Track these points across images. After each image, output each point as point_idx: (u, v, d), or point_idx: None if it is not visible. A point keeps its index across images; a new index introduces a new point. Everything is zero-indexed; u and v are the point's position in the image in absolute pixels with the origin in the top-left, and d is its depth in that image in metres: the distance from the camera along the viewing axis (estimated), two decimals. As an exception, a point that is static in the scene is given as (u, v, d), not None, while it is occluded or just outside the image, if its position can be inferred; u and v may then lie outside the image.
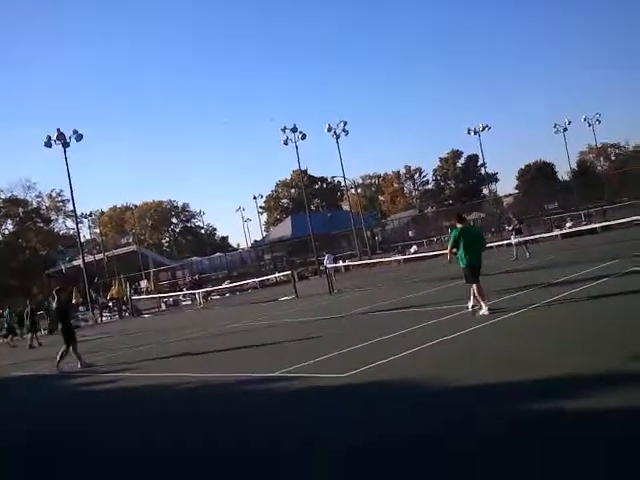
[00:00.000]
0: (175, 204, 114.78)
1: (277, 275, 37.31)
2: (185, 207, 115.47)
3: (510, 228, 25.95)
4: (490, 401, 5.71)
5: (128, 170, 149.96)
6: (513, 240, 23.97)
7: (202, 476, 5.15)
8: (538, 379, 6.03)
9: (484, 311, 10.76)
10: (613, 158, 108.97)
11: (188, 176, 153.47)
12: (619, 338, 7.19)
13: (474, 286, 11.18)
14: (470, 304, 11.42)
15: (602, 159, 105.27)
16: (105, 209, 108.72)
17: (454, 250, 11.56)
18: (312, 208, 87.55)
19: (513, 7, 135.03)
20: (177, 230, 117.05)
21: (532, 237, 31.89)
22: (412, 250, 43.71)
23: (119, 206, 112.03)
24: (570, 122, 69.69)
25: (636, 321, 8.04)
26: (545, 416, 5.00)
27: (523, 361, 6.93)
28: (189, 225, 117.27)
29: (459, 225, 11.66)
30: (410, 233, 60.65)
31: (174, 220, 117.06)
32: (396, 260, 35.98)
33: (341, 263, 38.54)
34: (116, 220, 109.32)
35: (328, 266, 27.55)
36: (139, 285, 48.73)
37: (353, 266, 37.82)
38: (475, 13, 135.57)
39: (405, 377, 7.22)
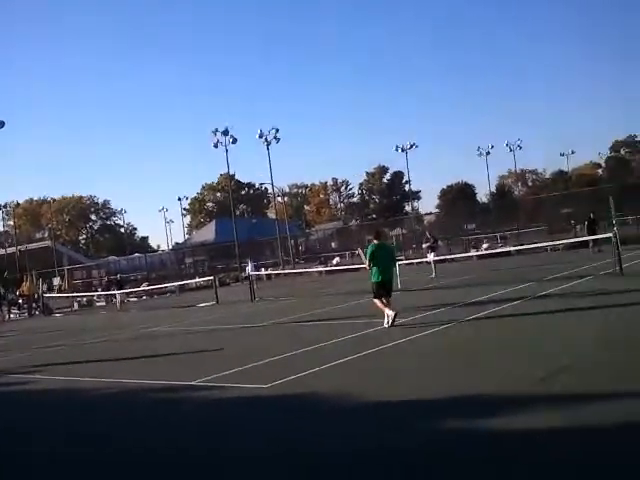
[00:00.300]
0: (96, 200, 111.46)
1: (198, 280, 36.83)
2: (106, 204, 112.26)
3: (426, 246, 26.46)
4: (404, 418, 5.89)
5: (49, 162, 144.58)
6: (429, 258, 24.38)
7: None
8: (449, 397, 6.27)
9: (387, 321, 11.44)
10: (530, 184, 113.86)
11: (111, 173, 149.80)
12: (529, 360, 7.56)
13: (377, 301, 11.86)
14: (386, 320, 11.67)
15: (520, 184, 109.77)
16: (21, 201, 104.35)
17: (370, 264, 12.06)
18: (237, 213, 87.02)
19: (446, 30, 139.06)
20: (96, 227, 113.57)
21: (450, 256, 32.97)
22: (334, 262, 44.17)
23: (36, 199, 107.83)
24: (493, 146, 72.60)
25: (546, 344, 8.46)
26: (451, 434, 5.22)
27: (436, 379, 7.19)
28: (109, 223, 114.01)
29: (375, 241, 12.31)
30: (333, 244, 61.32)
31: (93, 217, 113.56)
32: (318, 271, 36.28)
33: (263, 271, 38.50)
34: (32, 213, 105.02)
35: (251, 273, 27.48)
36: (52, 282, 46.97)
37: (275, 275, 37.82)
38: (407, 30, 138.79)
39: (324, 390, 7.31)
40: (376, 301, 11.97)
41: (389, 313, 11.50)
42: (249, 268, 32.56)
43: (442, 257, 32.72)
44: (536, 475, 4.18)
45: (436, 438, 5.16)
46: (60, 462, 5.91)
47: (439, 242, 26.53)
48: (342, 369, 8.42)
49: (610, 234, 16.88)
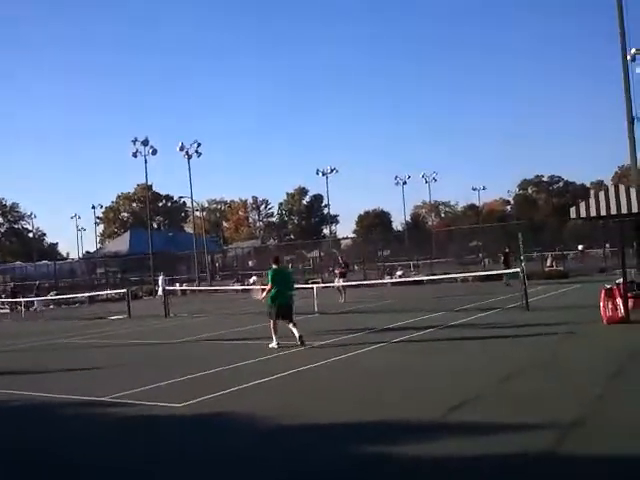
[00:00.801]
0: (3, 202, 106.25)
1: (109, 292, 35.81)
2: (14, 207, 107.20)
3: (337, 271, 26.61)
4: (324, 440, 6.04)
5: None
6: (336, 283, 24.08)
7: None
8: (366, 422, 6.48)
9: (273, 344, 12.07)
10: (443, 215, 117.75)
11: (22, 174, 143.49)
12: (442, 389, 7.89)
13: (271, 322, 12.40)
14: (274, 343, 12.18)
15: (433, 215, 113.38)
16: None
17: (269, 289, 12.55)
18: (154, 226, 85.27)
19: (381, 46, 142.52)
20: (2, 230, 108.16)
21: (365, 282, 33.57)
22: (251, 280, 44.00)
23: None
24: (410, 177, 75.03)
25: (459, 375, 8.83)
26: (369, 458, 5.42)
27: (346, 402, 7.39)
28: (16, 227, 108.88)
29: (274, 266, 12.84)
30: (250, 263, 61.00)
31: (0, 220, 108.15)
32: (234, 289, 36.06)
33: (178, 286, 37.90)
34: None
35: (165, 288, 27.02)
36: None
37: (191, 291, 37.28)
38: (338, 47, 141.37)
39: (237, 411, 7.35)
40: (271, 322, 12.42)
41: (275, 339, 12.16)
42: (160, 282, 32.14)
43: (357, 282, 33.35)
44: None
45: (341, 463, 5.34)
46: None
47: (350, 267, 26.65)
48: (256, 390, 8.49)
49: (518, 269, 17.75)
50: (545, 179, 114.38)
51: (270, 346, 12.04)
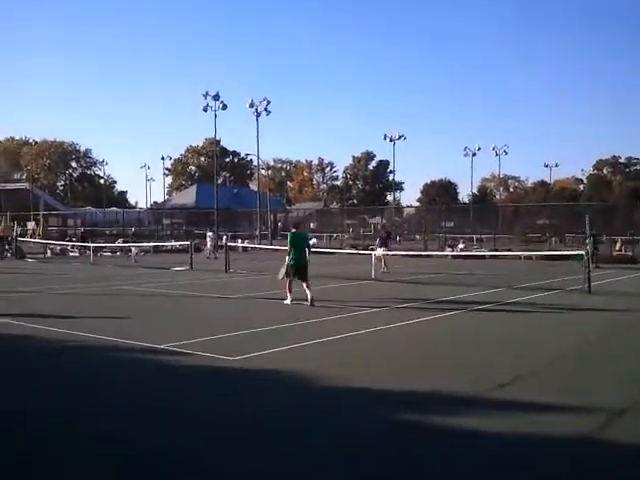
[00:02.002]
0: (77, 148, 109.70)
1: (173, 243, 36.76)
2: (87, 153, 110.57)
3: (377, 240, 25.42)
4: (375, 406, 6.13)
5: (35, 100, 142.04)
6: (378, 252, 23.05)
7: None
8: (408, 391, 6.53)
9: (287, 302, 13.19)
10: (512, 190, 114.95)
11: (96, 121, 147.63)
12: (493, 364, 7.84)
13: (287, 280, 13.45)
14: (288, 300, 13.19)
15: (502, 189, 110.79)
16: (1, 139, 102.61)
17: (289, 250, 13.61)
18: (219, 181, 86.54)
19: (448, 21, 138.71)
20: (75, 175, 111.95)
21: (425, 252, 33.26)
22: (311, 242, 44.30)
23: (17, 138, 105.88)
24: (480, 148, 73.31)
25: (512, 352, 8.75)
26: (412, 429, 5.48)
27: (405, 371, 7.44)
28: (89, 172, 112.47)
29: (293, 230, 14.34)
30: (312, 225, 61.38)
31: (73, 164, 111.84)
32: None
33: (239, 242, 38.53)
34: (11, 152, 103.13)
35: (228, 244, 27.45)
36: (26, 226, 46.49)
37: (251, 248, 37.85)
38: (412, 22, 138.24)
39: (290, 369, 7.50)
40: (287, 280, 13.46)
41: (290, 296, 13.25)
42: (208, 239, 32.74)
43: (415, 252, 33.11)
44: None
45: (388, 429, 5.42)
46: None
47: (391, 236, 25.12)
48: (311, 350, 8.64)
49: (582, 252, 17.25)
50: (622, 160, 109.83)
51: (285, 302, 13.17)
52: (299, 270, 13.39)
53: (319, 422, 5.66)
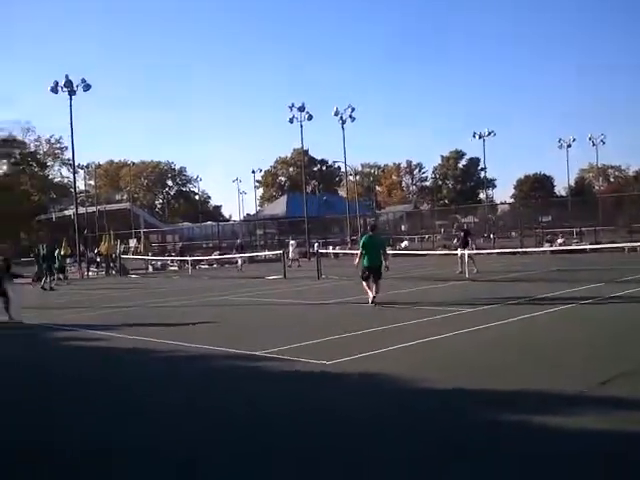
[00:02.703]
0: (172, 166, 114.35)
1: (267, 253, 37.53)
2: (182, 171, 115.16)
3: (456, 241, 24.51)
4: (461, 406, 6.00)
5: (129, 126, 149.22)
6: (459, 252, 22.14)
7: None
8: (512, 391, 6.34)
9: (369, 301, 13.57)
10: (612, 180, 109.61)
11: (189, 141, 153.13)
12: (593, 363, 7.50)
13: (364, 283, 14.07)
14: (370, 299, 13.67)
15: (601, 179, 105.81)
16: (102, 162, 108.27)
17: (362, 252, 14.16)
18: (308, 189, 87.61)
19: (529, 20, 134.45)
20: (171, 193, 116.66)
21: (522, 249, 32.25)
22: (402, 245, 44.08)
23: (116, 161, 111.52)
24: (575, 139, 70.24)
25: (616, 349, 8.33)
26: (514, 430, 5.31)
27: (500, 370, 7.24)
28: (184, 189, 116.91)
29: (371, 233, 14.93)
30: (403, 227, 60.94)
31: (169, 183, 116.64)
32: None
33: (330, 249, 38.81)
34: (111, 175, 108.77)
35: (319, 251, 27.71)
36: (128, 244, 48.80)
37: (343, 254, 38.01)
38: (493, 20, 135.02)
39: (386, 373, 7.45)
40: (364, 283, 14.14)
41: (371, 295, 13.66)
42: (291, 248, 32.91)
43: (512, 250, 32.19)
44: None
45: (491, 429, 5.28)
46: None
47: (471, 236, 23.75)
48: (411, 352, 8.58)
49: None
50: None
51: (369, 303, 13.53)
52: (372, 270, 13.95)
53: (423, 424, 5.59)
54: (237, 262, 33.01)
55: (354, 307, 14.20)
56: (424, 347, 8.94)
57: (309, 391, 7.04)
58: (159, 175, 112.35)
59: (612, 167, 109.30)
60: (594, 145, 73.31)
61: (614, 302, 12.71)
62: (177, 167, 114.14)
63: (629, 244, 29.17)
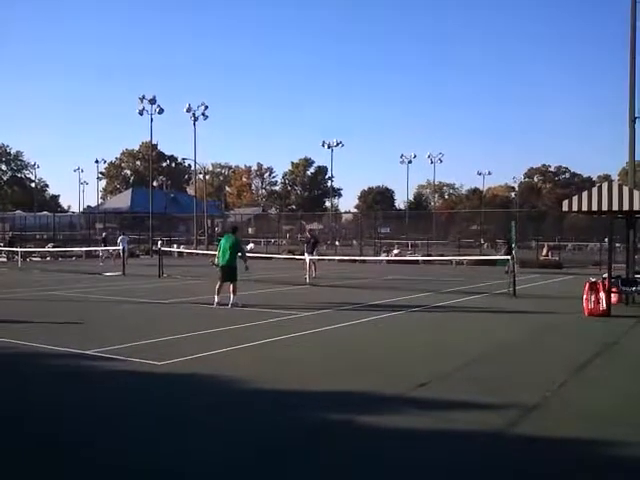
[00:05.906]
0: (8, 150, 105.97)
1: (106, 248, 35.99)
2: (18, 155, 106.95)
3: (305, 247, 24.94)
4: (281, 407, 6.25)
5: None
6: (307, 258, 22.72)
7: None
8: (331, 391, 6.70)
9: (215, 304, 13.81)
10: (446, 197, 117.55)
11: (27, 124, 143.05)
12: (415, 365, 8.10)
13: (218, 283, 14.19)
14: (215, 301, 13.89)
15: (437, 196, 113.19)
16: None
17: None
18: (156, 185, 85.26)
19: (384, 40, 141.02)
20: (4, 178, 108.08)
21: (361, 258, 33.71)
22: (248, 247, 44.19)
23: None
24: (415, 156, 74.86)
25: (434, 354, 9.04)
26: (339, 428, 5.64)
27: (332, 375, 7.61)
28: (19, 176, 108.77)
29: (230, 234, 14.98)
30: (250, 230, 61.24)
31: (3, 167, 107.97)
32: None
33: (175, 247, 38.11)
34: None
35: (162, 249, 27.08)
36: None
37: (187, 253, 37.48)
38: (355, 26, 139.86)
39: (219, 373, 7.55)
40: (217, 284, 14.24)
41: (216, 298, 13.89)
42: (120, 242, 31.56)
43: (351, 257, 33.57)
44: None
45: (313, 428, 5.56)
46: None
47: (318, 242, 24.57)
48: (245, 353, 8.73)
49: (508, 257, 17.91)
50: (552, 169, 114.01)
51: (213, 305, 13.75)
52: (225, 270, 14.18)
53: (243, 421, 5.75)
54: (12, 256, 31.84)
55: (193, 307, 14.14)
56: (258, 349, 9.13)
57: (135, 393, 6.95)
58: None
59: (447, 185, 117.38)
60: (432, 163, 78.50)
61: (437, 311, 13.76)
62: (13, 151, 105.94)
63: (456, 257, 31.62)
